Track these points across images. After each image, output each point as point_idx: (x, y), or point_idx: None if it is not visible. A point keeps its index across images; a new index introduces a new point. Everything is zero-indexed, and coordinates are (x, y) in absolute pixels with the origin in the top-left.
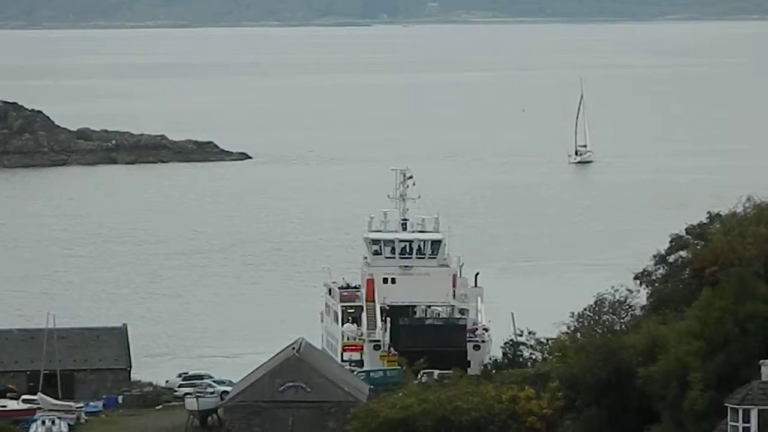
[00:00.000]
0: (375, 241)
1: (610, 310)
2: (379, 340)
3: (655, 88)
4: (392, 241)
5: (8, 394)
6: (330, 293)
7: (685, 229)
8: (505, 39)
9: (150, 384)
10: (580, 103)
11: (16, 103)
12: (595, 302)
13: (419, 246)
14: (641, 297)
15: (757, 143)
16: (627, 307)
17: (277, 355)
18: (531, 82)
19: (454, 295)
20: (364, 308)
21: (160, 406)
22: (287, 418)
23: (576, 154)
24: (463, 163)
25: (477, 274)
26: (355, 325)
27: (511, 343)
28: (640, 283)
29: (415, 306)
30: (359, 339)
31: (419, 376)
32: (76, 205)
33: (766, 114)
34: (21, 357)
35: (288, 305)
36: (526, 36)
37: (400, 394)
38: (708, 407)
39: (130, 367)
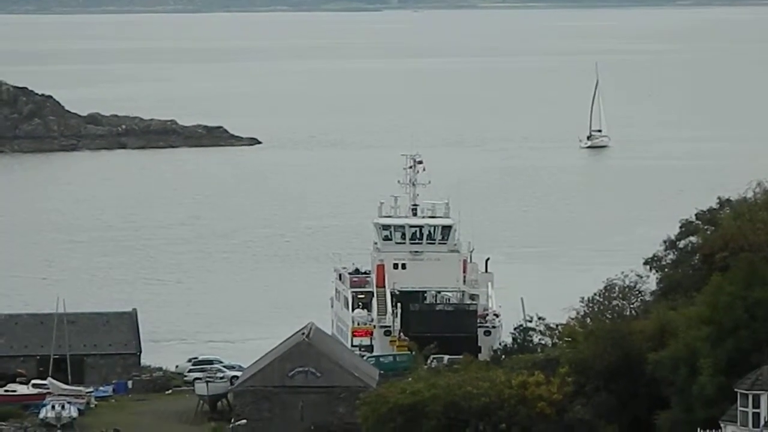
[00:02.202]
0: (385, 227)
1: (620, 296)
2: (389, 326)
3: (668, 72)
4: (402, 227)
5: (18, 379)
6: (340, 279)
7: (695, 215)
8: (515, 24)
9: (160, 369)
10: (596, 88)
11: (26, 88)
12: (605, 287)
13: (429, 231)
14: (651, 282)
15: None
16: (637, 292)
17: (286, 340)
18: (542, 67)
19: (464, 281)
20: (375, 294)
21: (170, 391)
22: (297, 403)
23: (588, 138)
24: (474, 148)
25: (487, 259)
26: (366, 310)
27: (520, 328)
28: (650, 269)
29: (425, 291)
30: (370, 324)
31: (429, 362)
32: (85, 190)
33: None
34: (31, 342)
35: (298, 290)
36: (535, 21)
37: (410, 379)
38: (717, 392)
39: (140, 352)
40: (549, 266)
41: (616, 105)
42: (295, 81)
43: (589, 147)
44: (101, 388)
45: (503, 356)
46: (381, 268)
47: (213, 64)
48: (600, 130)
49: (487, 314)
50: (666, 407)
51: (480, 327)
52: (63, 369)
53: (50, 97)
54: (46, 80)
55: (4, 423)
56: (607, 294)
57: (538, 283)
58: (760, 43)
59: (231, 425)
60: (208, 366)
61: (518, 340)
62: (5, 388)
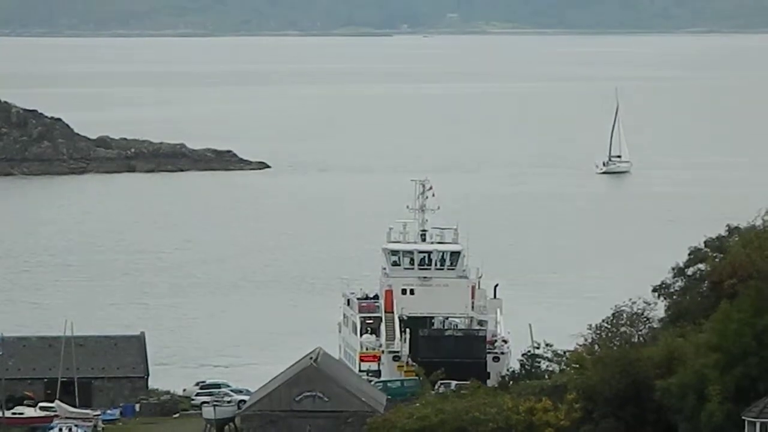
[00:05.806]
0: (394, 252)
1: (628, 322)
2: (398, 351)
3: (680, 99)
4: (411, 252)
5: (25, 401)
6: (348, 304)
7: (704, 242)
8: (525, 50)
9: (167, 392)
10: (616, 114)
11: (35, 111)
12: (613, 314)
13: (438, 257)
14: (659, 309)
15: None
16: (645, 319)
17: (294, 364)
18: (555, 92)
19: (472, 307)
20: (383, 319)
21: (177, 415)
22: (304, 428)
23: (604, 164)
24: (485, 173)
25: (496, 285)
26: (374, 336)
27: (528, 354)
28: (659, 296)
29: (433, 317)
30: (378, 350)
31: (436, 387)
32: (94, 214)
33: None
34: (39, 364)
35: (306, 315)
36: (546, 47)
37: (418, 404)
38: (725, 420)
39: (148, 375)
40: (557, 293)
41: (636, 131)
42: (304, 105)
43: (605, 173)
44: (109, 411)
45: (511, 382)
46: (389, 293)
47: (223, 88)
48: (620, 156)
49: (496, 340)
50: None
51: (488, 353)
52: (71, 392)
53: (59, 119)
54: (56, 103)
55: None
56: (615, 321)
57: (546, 309)
58: None
59: None
60: (216, 390)
61: (526, 366)
62: (13, 411)
